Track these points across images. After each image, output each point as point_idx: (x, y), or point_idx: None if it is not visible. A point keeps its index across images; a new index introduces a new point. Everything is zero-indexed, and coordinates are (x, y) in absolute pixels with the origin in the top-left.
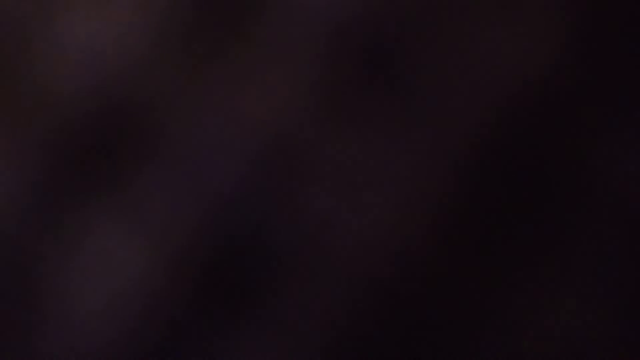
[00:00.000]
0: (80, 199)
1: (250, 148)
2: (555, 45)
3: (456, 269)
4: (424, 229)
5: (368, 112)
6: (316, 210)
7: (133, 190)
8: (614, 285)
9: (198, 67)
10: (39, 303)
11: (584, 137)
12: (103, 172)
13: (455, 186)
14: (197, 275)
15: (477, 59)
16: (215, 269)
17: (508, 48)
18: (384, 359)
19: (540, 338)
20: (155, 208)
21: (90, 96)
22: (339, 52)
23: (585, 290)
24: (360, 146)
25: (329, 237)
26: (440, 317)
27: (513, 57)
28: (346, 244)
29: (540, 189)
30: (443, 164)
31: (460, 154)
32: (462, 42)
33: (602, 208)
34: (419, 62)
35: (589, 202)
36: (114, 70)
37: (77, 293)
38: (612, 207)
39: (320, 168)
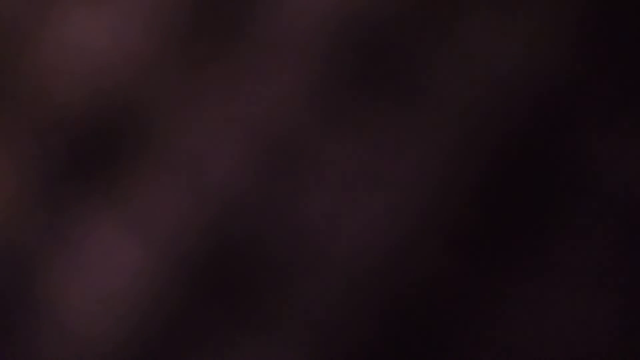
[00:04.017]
0: (79, 200)
1: (250, 148)
2: (557, 46)
3: (456, 269)
4: (423, 230)
5: (368, 112)
6: (316, 211)
7: (133, 190)
8: (615, 284)
9: (198, 68)
10: (37, 303)
11: (587, 137)
12: (102, 173)
13: (454, 186)
14: (197, 276)
15: (478, 60)
16: (215, 269)
17: (510, 48)
18: (384, 359)
19: (540, 338)
20: (155, 209)
21: (90, 97)
22: (339, 52)
23: (585, 290)
24: (360, 147)
25: (329, 237)
26: (441, 318)
27: (515, 57)
28: (346, 244)
29: (541, 189)
30: (443, 164)
31: (460, 155)
32: (463, 42)
33: (604, 209)
34: (419, 62)
35: (591, 203)
36: (114, 71)
37: (77, 293)
38: (614, 208)
39: (320, 168)
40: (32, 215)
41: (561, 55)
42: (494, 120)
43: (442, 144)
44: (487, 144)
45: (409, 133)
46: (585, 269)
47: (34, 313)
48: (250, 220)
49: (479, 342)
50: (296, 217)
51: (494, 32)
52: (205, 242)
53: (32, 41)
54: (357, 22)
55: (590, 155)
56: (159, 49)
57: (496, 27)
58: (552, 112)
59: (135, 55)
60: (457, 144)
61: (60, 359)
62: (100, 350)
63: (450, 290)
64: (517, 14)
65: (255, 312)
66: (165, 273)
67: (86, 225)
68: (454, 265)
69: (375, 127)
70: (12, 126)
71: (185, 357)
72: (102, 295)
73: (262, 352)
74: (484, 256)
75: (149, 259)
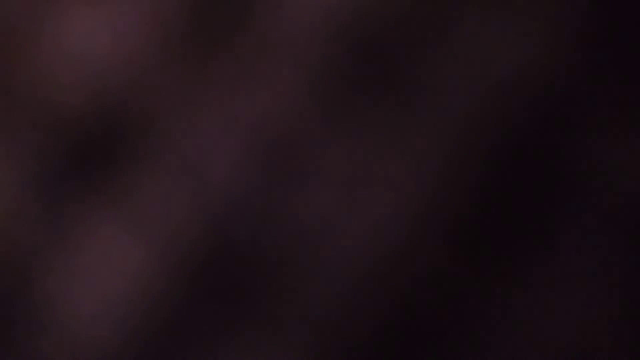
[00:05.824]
0: (79, 200)
1: (251, 149)
2: (557, 46)
3: (456, 269)
4: (423, 230)
5: (368, 112)
6: (316, 211)
7: (133, 191)
8: (616, 284)
9: (197, 67)
10: (37, 304)
11: (587, 137)
12: (102, 173)
13: (453, 186)
14: (197, 276)
15: (477, 60)
16: (215, 269)
17: (510, 48)
18: (384, 359)
19: (541, 338)
20: (155, 209)
21: (90, 97)
22: (339, 52)
23: (586, 290)
24: (360, 146)
25: (328, 237)
26: (440, 318)
27: (514, 57)
28: (345, 244)
29: (541, 188)
30: (442, 164)
31: (459, 154)
32: (463, 42)
33: (604, 208)
34: (418, 62)
35: (591, 203)
36: (114, 71)
37: (77, 294)
38: (614, 207)
39: (320, 168)
40: (31, 215)
41: (561, 55)
42: (494, 120)
43: (442, 144)
44: (487, 143)
45: (409, 133)
46: (585, 269)
47: (33, 313)
48: (251, 220)
49: (479, 342)
50: (296, 217)
51: (494, 32)
52: (206, 242)
53: (31, 41)
54: (357, 22)
55: (591, 155)
56: (158, 49)
57: (496, 27)
58: (552, 112)
59: (135, 55)
60: (457, 144)
61: (60, 359)
62: (100, 350)
63: (451, 290)
64: (517, 14)
65: (255, 312)
66: (166, 273)
67: (86, 225)
68: (454, 265)
69: (375, 127)
70: (12, 126)
71: (185, 357)
72: (102, 296)
73: (262, 352)
74: (484, 256)
75: (149, 259)
